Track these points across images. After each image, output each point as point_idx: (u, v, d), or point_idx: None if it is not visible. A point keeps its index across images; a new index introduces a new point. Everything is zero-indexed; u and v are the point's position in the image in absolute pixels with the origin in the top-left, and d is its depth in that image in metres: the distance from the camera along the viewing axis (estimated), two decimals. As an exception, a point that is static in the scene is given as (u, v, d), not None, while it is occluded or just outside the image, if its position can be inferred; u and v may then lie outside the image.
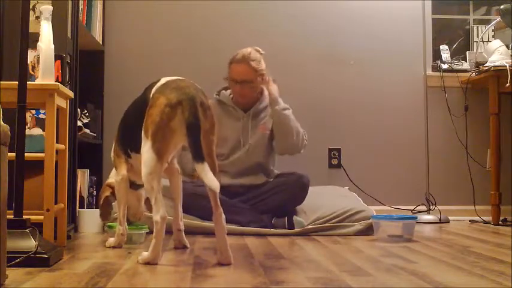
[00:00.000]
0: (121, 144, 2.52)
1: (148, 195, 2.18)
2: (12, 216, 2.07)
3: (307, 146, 3.47)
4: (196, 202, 2.97)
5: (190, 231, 2.88)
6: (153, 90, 2.24)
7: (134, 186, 2.58)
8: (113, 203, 2.65)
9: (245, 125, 3.32)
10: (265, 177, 3.30)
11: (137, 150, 2.26)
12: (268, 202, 3.14)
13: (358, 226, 3.10)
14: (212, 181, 1.98)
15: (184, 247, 2.54)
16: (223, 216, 2.13)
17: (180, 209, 2.56)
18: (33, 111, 2.84)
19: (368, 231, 3.06)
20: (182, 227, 2.55)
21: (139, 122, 2.21)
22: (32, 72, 2.76)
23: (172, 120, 2.09)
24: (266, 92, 3.39)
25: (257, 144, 3.31)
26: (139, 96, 2.40)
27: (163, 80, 2.26)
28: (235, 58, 3.27)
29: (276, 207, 3.12)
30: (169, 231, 2.50)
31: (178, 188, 2.56)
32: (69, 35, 2.95)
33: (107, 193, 2.63)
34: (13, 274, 1.85)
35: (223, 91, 3.41)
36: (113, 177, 2.63)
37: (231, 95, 3.38)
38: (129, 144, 2.43)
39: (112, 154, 2.60)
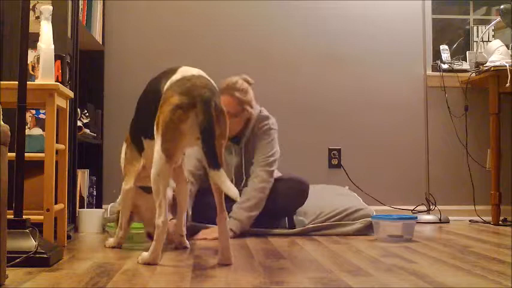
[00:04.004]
0: (135, 132, 2.40)
1: (154, 196, 2.13)
2: (12, 216, 2.07)
3: (307, 146, 3.48)
4: (206, 213, 2.88)
5: (194, 233, 2.87)
6: (168, 83, 2.14)
7: (147, 189, 2.41)
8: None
9: (239, 159, 3.09)
10: None
11: (151, 136, 2.16)
12: (268, 206, 3.12)
13: (358, 224, 3.10)
14: (231, 188, 1.92)
15: (185, 247, 2.53)
16: (228, 219, 2.14)
17: (184, 216, 2.51)
18: (33, 111, 2.84)
19: (368, 229, 3.06)
20: (184, 233, 2.53)
21: (151, 110, 2.14)
22: (32, 72, 2.76)
23: (183, 122, 2.02)
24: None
25: None
26: (153, 84, 2.27)
27: (179, 75, 2.15)
28: (219, 87, 2.75)
29: (276, 211, 3.10)
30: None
31: (185, 196, 2.52)
32: (69, 35, 2.95)
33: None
34: (13, 274, 1.84)
35: None
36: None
37: None
38: (143, 132, 2.31)
39: (122, 157, 2.52)
